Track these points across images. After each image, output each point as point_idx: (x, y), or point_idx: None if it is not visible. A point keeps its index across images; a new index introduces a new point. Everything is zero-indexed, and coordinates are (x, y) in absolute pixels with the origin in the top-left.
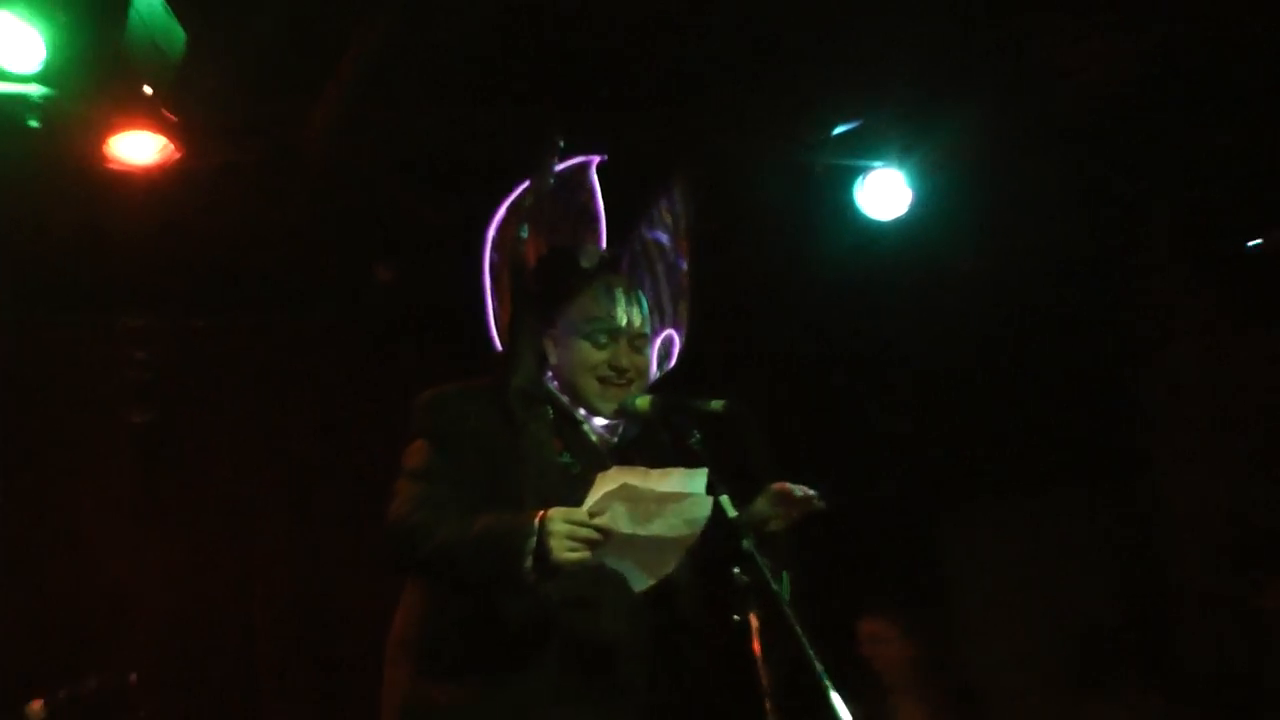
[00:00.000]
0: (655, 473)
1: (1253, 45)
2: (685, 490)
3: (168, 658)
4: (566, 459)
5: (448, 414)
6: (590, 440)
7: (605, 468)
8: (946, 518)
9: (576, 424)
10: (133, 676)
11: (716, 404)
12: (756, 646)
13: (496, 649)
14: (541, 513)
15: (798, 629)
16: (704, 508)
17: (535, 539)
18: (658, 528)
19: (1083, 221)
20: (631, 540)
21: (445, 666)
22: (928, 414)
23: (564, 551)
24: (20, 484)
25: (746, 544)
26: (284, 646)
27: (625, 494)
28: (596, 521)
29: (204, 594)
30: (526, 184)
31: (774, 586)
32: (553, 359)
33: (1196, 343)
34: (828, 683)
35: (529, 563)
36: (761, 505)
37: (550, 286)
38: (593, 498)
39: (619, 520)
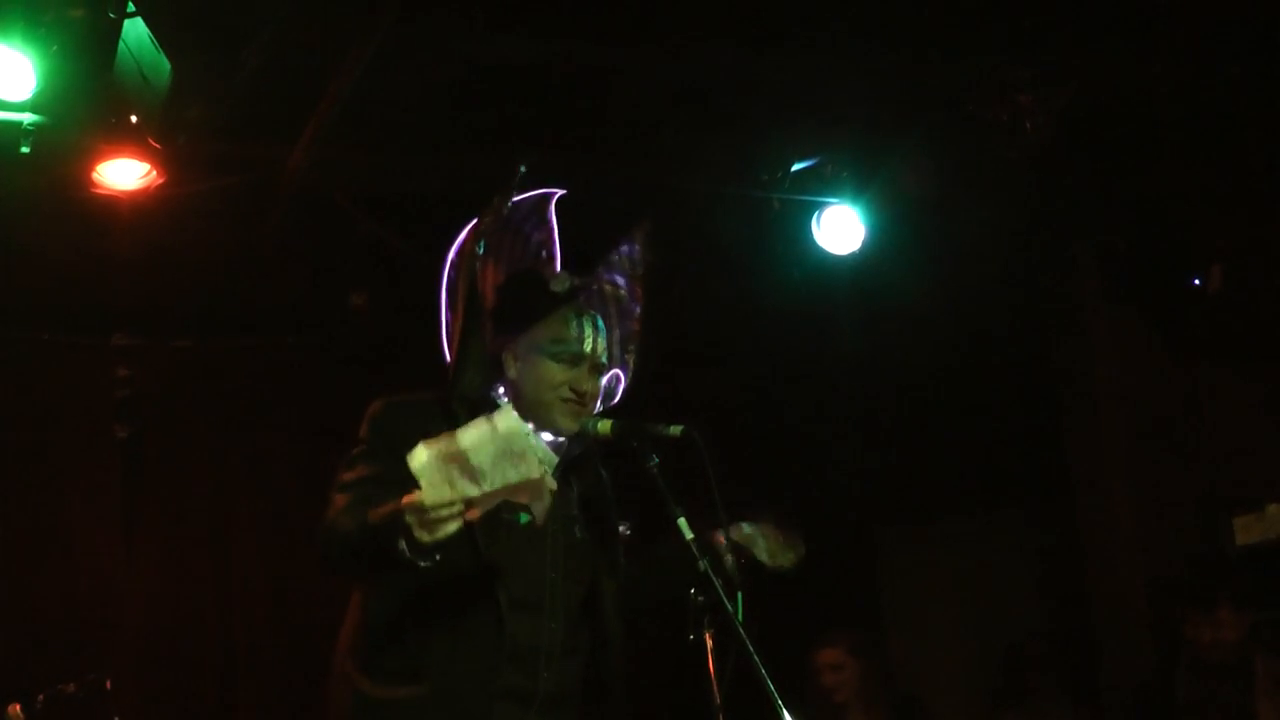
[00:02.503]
0: (457, 431)
1: (1170, 95)
2: (492, 425)
3: (147, 665)
4: None
5: (388, 424)
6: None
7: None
8: (884, 536)
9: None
10: (108, 682)
11: (674, 429)
12: (711, 665)
13: (436, 650)
14: (405, 499)
15: (751, 648)
16: (518, 442)
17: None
18: (499, 477)
19: (1019, 259)
20: (495, 491)
21: (387, 667)
22: (870, 438)
23: (425, 535)
24: (8, 495)
25: (701, 565)
26: (261, 656)
27: (445, 457)
28: (442, 498)
29: (184, 603)
30: (489, 207)
31: (729, 606)
32: (511, 373)
33: (1120, 377)
34: (780, 702)
35: (403, 545)
36: (758, 539)
37: (518, 305)
38: (424, 479)
39: (460, 485)
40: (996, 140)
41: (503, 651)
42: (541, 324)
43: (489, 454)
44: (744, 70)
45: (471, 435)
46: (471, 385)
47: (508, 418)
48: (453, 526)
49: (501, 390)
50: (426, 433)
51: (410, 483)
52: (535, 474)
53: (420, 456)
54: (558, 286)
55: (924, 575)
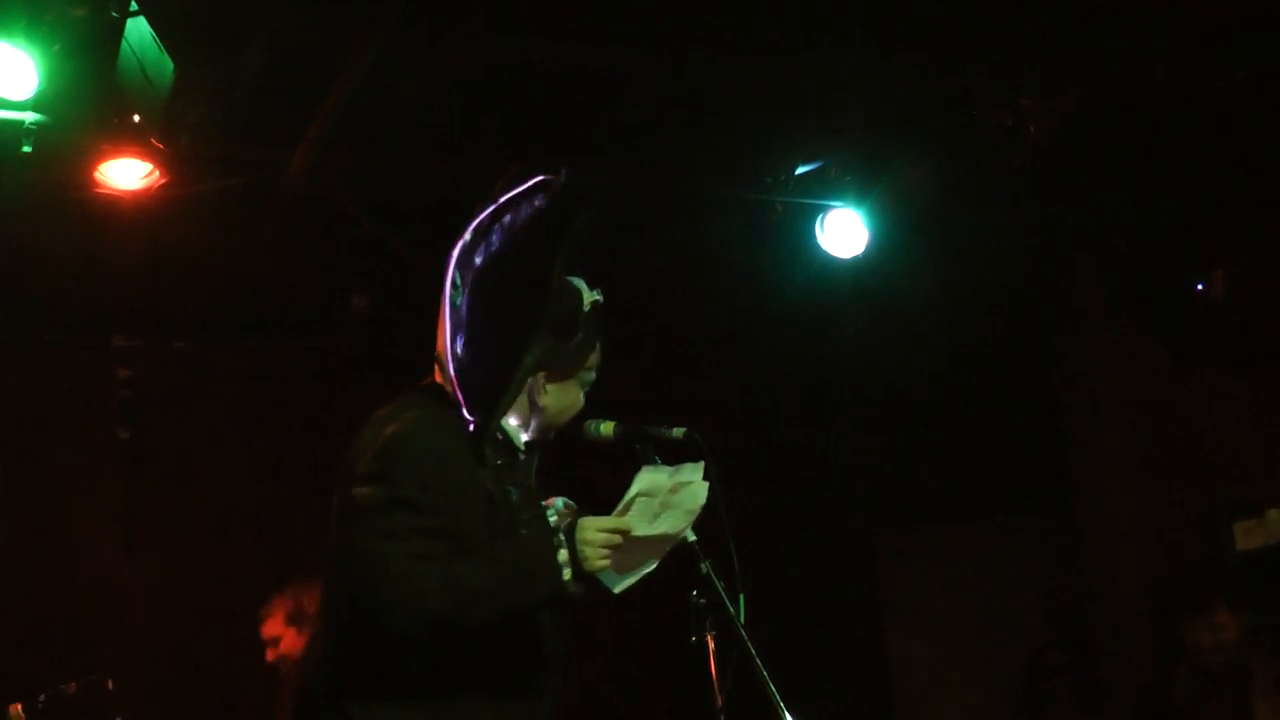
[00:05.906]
0: (667, 467)
1: (1172, 99)
2: (691, 479)
3: (149, 665)
4: (515, 494)
5: (416, 465)
6: (529, 474)
7: (538, 499)
8: (885, 539)
9: (518, 458)
10: (109, 682)
11: (677, 431)
12: (713, 667)
13: (437, 665)
14: (567, 524)
15: (753, 650)
16: (702, 495)
17: (567, 551)
18: (663, 524)
19: (1021, 263)
20: (637, 542)
21: (382, 688)
22: (872, 442)
23: (597, 560)
24: (11, 495)
25: (704, 567)
26: (261, 657)
27: (643, 486)
28: (619, 522)
29: (185, 603)
30: (491, 207)
31: (730, 608)
32: (543, 400)
33: (1122, 381)
34: (782, 704)
35: (568, 574)
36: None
37: (566, 331)
38: (623, 502)
39: (636, 520)
40: (1000, 144)
41: (499, 664)
42: (584, 343)
43: (673, 501)
44: (748, 74)
45: (678, 475)
46: (505, 413)
47: (700, 469)
48: (608, 561)
49: (517, 420)
50: (444, 466)
51: (472, 520)
52: (677, 537)
53: (653, 480)
54: (590, 296)
55: (925, 579)
